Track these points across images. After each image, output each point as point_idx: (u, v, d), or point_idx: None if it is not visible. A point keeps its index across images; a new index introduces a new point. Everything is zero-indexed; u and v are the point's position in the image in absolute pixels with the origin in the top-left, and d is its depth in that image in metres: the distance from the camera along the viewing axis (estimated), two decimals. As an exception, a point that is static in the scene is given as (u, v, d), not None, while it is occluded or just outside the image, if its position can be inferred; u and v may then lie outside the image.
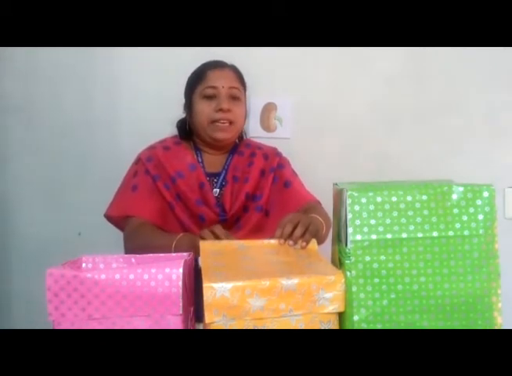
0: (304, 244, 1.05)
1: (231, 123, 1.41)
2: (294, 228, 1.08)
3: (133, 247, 1.30)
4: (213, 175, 1.44)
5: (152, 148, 1.46)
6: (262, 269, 0.91)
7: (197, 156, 1.46)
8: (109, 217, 1.41)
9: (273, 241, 1.07)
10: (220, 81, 1.41)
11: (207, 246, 1.04)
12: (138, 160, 1.45)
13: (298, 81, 1.92)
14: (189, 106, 1.46)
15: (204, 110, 1.40)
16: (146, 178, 1.39)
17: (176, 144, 1.47)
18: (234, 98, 1.42)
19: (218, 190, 1.42)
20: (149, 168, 1.40)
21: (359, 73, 1.94)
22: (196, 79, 1.44)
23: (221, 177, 1.44)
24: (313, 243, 1.07)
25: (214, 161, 1.47)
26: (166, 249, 1.13)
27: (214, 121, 1.40)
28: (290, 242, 1.05)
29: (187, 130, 1.48)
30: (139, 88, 1.90)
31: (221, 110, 1.39)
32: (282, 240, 1.06)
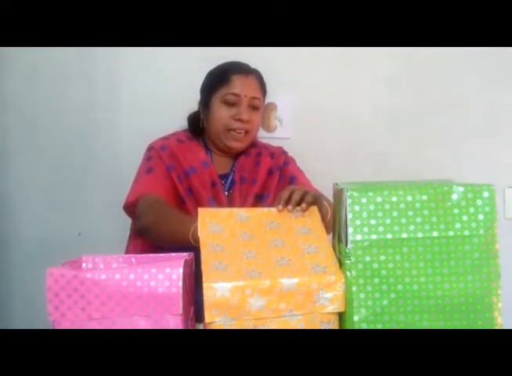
0: (304, 205, 1.02)
1: (246, 132, 1.41)
2: (292, 195, 1.04)
3: (149, 223, 1.26)
4: (221, 177, 1.44)
5: (165, 139, 1.45)
6: (261, 257, 0.89)
7: (207, 155, 1.46)
8: (127, 205, 1.36)
9: (273, 209, 1.03)
10: (243, 90, 1.38)
11: (205, 216, 1.00)
12: (151, 148, 1.43)
13: (298, 81, 1.92)
14: (205, 104, 1.43)
15: (222, 115, 1.38)
16: (160, 162, 1.38)
17: (189, 139, 1.46)
18: (254, 108, 1.41)
19: (226, 193, 1.43)
20: (163, 156, 1.38)
21: (359, 73, 1.94)
22: (219, 81, 1.40)
23: (230, 179, 1.45)
24: (315, 211, 1.04)
25: (222, 162, 1.47)
26: (184, 233, 1.10)
27: (230, 129, 1.39)
28: (289, 207, 1.01)
29: (200, 127, 1.47)
30: (139, 88, 1.89)
31: (239, 120, 1.38)
32: (280, 207, 1.02)
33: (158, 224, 1.25)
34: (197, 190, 1.37)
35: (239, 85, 1.39)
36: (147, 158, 1.41)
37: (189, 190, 1.38)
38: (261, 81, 1.45)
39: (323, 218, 1.05)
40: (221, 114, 1.39)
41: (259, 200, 1.42)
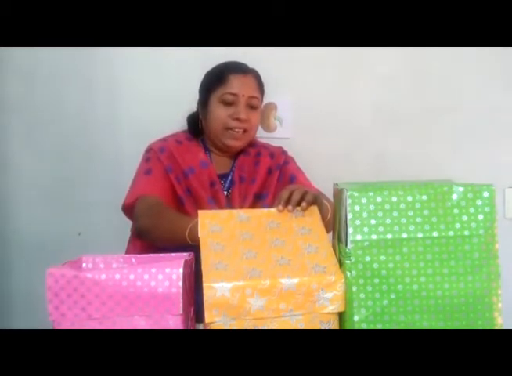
0: (304, 204, 1.02)
1: (245, 131, 1.41)
2: (292, 195, 1.04)
3: (147, 226, 1.27)
4: (221, 177, 1.44)
5: (163, 140, 1.45)
6: (261, 257, 0.90)
7: (206, 155, 1.46)
8: (126, 206, 1.36)
9: (273, 210, 1.03)
10: (241, 89, 1.38)
11: (205, 218, 1.00)
12: (149, 150, 1.43)
13: (298, 80, 1.92)
14: (203, 104, 1.44)
15: (220, 115, 1.39)
16: (159, 164, 1.39)
17: (188, 139, 1.47)
18: (252, 107, 1.41)
19: (225, 193, 1.43)
20: (162, 158, 1.39)
21: (359, 73, 1.94)
22: (217, 81, 1.41)
23: (229, 179, 1.45)
24: (315, 211, 1.04)
25: (221, 162, 1.47)
26: (180, 233, 1.12)
27: (228, 128, 1.39)
28: (290, 207, 1.01)
29: (199, 128, 1.47)
30: (139, 88, 1.89)
31: (237, 119, 1.38)
32: (280, 207, 1.02)
33: (156, 226, 1.26)
34: (196, 191, 1.38)
35: (236, 85, 1.39)
36: (146, 160, 1.42)
37: (187, 191, 1.39)
38: (259, 80, 1.46)
39: (323, 218, 1.05)
40: (219, 114, 1.39)
41: (258, 200, 1.42)
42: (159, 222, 1.25)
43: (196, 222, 1.09)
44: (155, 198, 1.32)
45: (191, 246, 1.08)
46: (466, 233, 0.87)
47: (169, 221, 1.24)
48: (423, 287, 0.85)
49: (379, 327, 0.85)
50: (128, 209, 1.36)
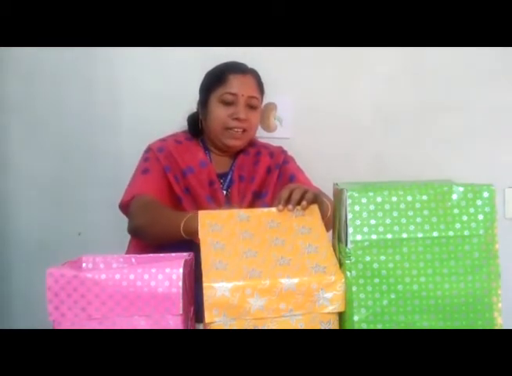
0: (304, 203, 1.01)
1: (244, 131, 1.41)
2: (292, 194, 1.04)
3: (142, 224, 1.28)
4: (220, 176, 1.45)
5: (163, 140, 1.46)
6: (262, 257, 0.90)
7: (206, 154, 1.47)
8: (123, 204, 1.38)
9: (273, 209, 1.03)
10: (241, 89, 1.39)
11: (206, 218, 1.01)
12: (148, 150, 1.44)
13: (298, 81, 1.92)
14: (203, 104, 1.45)
15: (220, 115, 1.40)
16: (157, 164, 1.39)
17: (187, 139, 1.48)
18: (251, 107, 1.41)
19: (225, 192, 1.43)
20: (160, 158, 1.40)
21: (359, 73, 1.94)
22: (216, 81, 1.41)
23: (229, 178, 1.45)
24: (315, 210, 1.03)
25: (221, 162, 1.47)
26: (175, 228, 1.13)
27: (228, 128, 1.40)
28: (290, 206, 1.01)
29: (199, 128, 1.47)
30: (139, 88, 1.89)
31: (237, 119, 1.39)
32: (280, 206, 1.02)
33: (151, 223, 1.27)
34: (195, 189, 1.38)
35: (236, 85, 1.39)
36: (144, 159, 1.43)
37: (186, 190, 1.39)
38: (259, 80, 1.46)
39: (323, 216, 1.05)
40: (218, 114, 1.40)
41: (257, 199, 1.43)
42: (154, 220, 1.26)
43: (191, 216, 1.11)
44: (150, 197, 1.33)
45: (190, 245, 1.08)
46: (466, 233, 0.87)
47: (164, 217, 1.25)
48: (423, 287, 0.85)
49: (379, 327, 0.85)
50: (125, 207, 1.37)
